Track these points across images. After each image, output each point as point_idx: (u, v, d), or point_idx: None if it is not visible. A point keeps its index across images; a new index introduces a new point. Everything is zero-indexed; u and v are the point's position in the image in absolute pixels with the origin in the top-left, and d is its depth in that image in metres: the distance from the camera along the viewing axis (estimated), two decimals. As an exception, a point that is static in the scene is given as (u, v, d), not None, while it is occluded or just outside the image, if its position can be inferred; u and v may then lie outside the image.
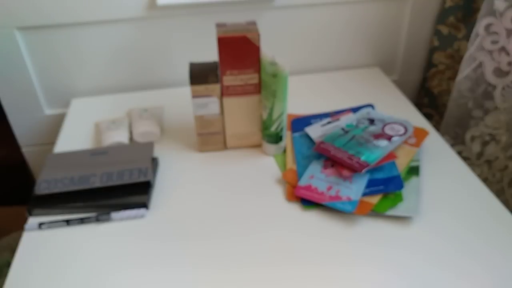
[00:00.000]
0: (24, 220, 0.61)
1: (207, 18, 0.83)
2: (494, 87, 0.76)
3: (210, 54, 0.86)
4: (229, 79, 0.65)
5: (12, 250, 0.95)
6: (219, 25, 0.64)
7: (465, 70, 0.79)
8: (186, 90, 0.87)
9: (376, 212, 0.59)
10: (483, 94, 0.78)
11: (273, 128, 0.67)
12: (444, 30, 0.89)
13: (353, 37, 0.91)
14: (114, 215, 0.60)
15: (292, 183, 0.63)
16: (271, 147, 0.70)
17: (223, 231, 0.58)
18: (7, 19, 0.77)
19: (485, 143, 0.80)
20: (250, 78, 0.65)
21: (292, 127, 0.74)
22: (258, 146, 0.72)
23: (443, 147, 0.71)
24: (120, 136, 0.71)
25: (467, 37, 0.87)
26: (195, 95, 0.66)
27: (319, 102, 0.83)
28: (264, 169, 0.68)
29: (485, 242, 0.55)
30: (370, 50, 0.94)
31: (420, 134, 0.70)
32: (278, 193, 0.63)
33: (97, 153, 0.67)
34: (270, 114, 0.66)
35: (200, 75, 0.65)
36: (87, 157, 0.67)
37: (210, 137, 0.70)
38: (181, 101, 0.84)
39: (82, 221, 0.59)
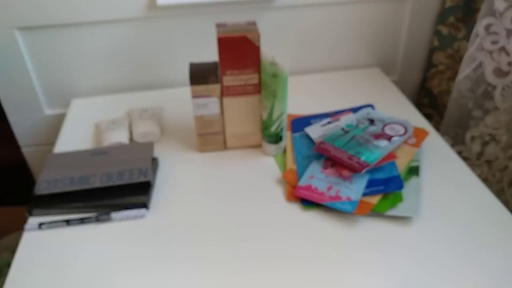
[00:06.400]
0: (24, 220, 0.61)
1: (207, 18, 0.83)
2: (494, 87, 0.76)
3: (210, 54, 0.86)
4: (229, 79, 0.65)
5: (12, 250, 0.95)
6: (219, 25, 0.64)
7: (465, 70, 0.79)
8: (186, 90, 0.87)
9: (376, 212, 0.59)
10: (483, 94, 0.78)
11: (273, 128, 0.67)
12: (444, 30, 0.89)
13: (353, 37, 0.91)
14: (114, 215, 0.60)
15: (292, 183, 0.63)
16: (271, 147, 0.70)
17: (222, 232, 0.58)
18: (7, 19, 0.77)
19: (485, 143, 0.80)
20: (250, 78, 0.65)
21: (292, 127, 0.74)
22: (258, 146, 0.72)
23: (443, 147, 0.71)
24: (120, 136, 0.71)
25: (467, 37, 0.87)
26: (195, 95, 0.66)
27: (319, 102, 0.83)
28: (264, 169, 0.68)
29: (485, 242, 0.55)
30: (370, 50, 0.94)
31: (420, 134, 0.70)
32: (278, 193, 0.63)
33: (97, 153, 0.67)
34: (270, 114, 0.66)
35: (200, 75, 0.65)
36: (87, 157, 0.67)
37: (210, 137, 0.70)
38: (181, 101, 0.84)
39: (82, 221, 0.59)
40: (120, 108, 0.82)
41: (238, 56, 0.63)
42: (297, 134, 0.72)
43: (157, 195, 0.64)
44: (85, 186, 0.61)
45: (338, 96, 0.85)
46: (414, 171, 0.65)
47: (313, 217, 0.59)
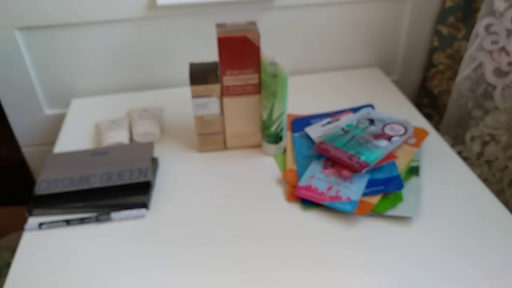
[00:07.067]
0: (24, 220, 0.61)
1: (207, 18, 0.83)
2: (494, 87, 0.76)
3: (210, 54, 0.86)
4: (229, 79, 0.65)
5: (12, 250, 0.95)
6: (219, 25, 0.64)
7: (465, 70, 0.79)
8: (186, 90, 0.87)
9: (376, 212, 0.59)
10: (483, 94, 0.78)
11: (273, 128, 0.67)
12: (444, 30, 0.89)
13: (353, 37, 0.91)
14: (114, 215, 0.60)
15: (292, 183, 0.63)
16: (271, 147, 0.70)
17: (222, 232, 0.58)
18: (7, 19, 0.77)
19: (485, 143, 0.80)
20: (250, 78, 0.65)
21: (292, 127, 0.74)
22: (258, 146, 0.72)
23: (443, 147, 0.71)
24: (120, 136, 0.71)
25: (467, 37, 0.87)
26: (195, 95, 0.66)
27: (319, 102, 0.83)
28: (264, 169, 0.68)
29: (484, 242, 0.55)
30: (370, 50, 0.94)
31: (420, 134, 0.70)
32: (278, 193, 0.63)
33: (97, 153, 0.67)
34: (270, 114, 0.66)
35: (200, 75, 0.65)
36: (87, 157, 0.67)
37: (210, 137, 0.70)
38: (181, 101, 0.84)
39: (82, 221, 0.59)
40: (120, 108, 0.82)
41: (238, 56, 0.63)
42: (297, 134, 0.72)
43: (157, 195, 0.64)
44: (85, 186, 0.61)
45: (338, 96, 0.85)
46: (414, 171, 0.65)
47: (313, 217, 0.59)
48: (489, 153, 0.80)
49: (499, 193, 0.80)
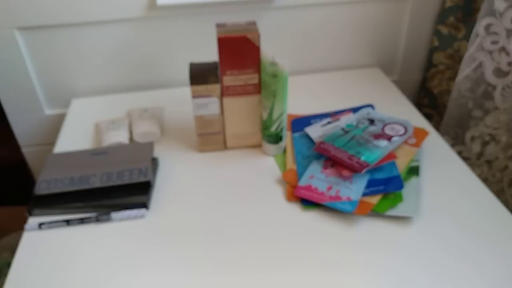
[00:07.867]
0: (24, 220, 0.61)
1: (207, 18, 0.83)
2: (494, 87, 0.76)
3: (210, 54, 0.86)
4: (229, 79, 0.65)
5: (12, 250, 0.95)
6: (219, 25, 0.64)
7: (465, 70, 0.79)
8: (186, 90, 0.87)
9: (376, 212, 0.59)
10: (483, 94, 0.78)
11: (273, 128, 0.67)
12: (444, 30, 0.89)
13: (353, 37, 0.91)
14: (114, 215, 0.60)
15: (292, 183, 0.63)
16: (271, 147, 0.70)
17: (222, 231, 0.58)
18: (7, 19, 0.77)
19: (485, 143, 0.80)
20: (250, 78, 0.65)
21: (292, 127, 0.74)
22: (258, 146, 0.72)
23: (443, 147, 0.71)
24: (120, 136, 0.71)
25: (467, 37, 0.87)
26: (195, 95, 0.66)
27: (319, 102, 0.83)
28: (264, 169, 0.68)
29: (485, 242, 0.55)
30: (370, 50, 0.94)
31: (420, 134, 0.70)
32: (278, 193, 0.63)
33: (97, 153, 0.67)
34: (270, 114, 0.66)
35: (200, 75, 0.65)
36: (87, 157, 0.67)
37: (210, 137, 0.70)
38: (181, 101, 0.84)
39: (82, 221, 0.59)
40: (120, 108, 0.82)
41: (238, 56, 0.63)
42: (297, 134, 0.72)
43: (157, 195, 0.64)
44: (85, 186, 0.61)
45: (338, 96, 0.85)
46: (414, 171, 0.65)
47: (313, 217, 0.59)
48: (489, 153, 0.80)
49: (499, 193, 0.80)
